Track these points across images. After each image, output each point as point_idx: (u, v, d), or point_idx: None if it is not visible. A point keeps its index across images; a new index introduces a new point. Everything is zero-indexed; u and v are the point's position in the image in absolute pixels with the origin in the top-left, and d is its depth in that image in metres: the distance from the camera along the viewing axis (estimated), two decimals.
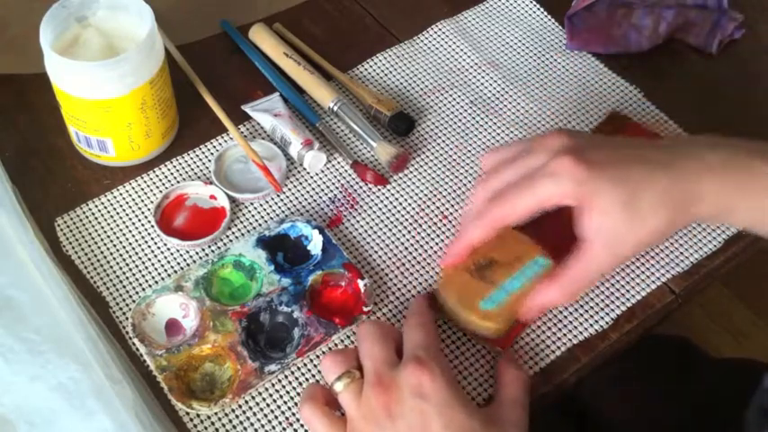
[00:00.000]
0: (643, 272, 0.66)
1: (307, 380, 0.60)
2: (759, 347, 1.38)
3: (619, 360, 0.64)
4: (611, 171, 0.53)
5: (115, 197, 0.69)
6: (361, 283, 0.63)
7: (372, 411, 0.51)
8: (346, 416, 0.53)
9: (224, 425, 0.58)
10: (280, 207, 0.69)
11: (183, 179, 0.70)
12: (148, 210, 0.68)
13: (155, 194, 0.69)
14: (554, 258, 0.59)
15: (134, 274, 0.65)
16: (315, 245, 0.65)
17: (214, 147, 0.72)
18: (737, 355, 0.87)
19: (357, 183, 0.70)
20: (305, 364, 0.61)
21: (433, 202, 0.69)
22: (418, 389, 0.51)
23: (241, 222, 0.68)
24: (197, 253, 0.66)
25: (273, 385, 0.60)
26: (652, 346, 0.82)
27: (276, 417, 0.58)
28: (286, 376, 0.60)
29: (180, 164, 0.71)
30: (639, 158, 0.54)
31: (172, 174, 0.70)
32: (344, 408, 0.53)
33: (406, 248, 0.67)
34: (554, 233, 0.57)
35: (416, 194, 0.70)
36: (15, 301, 0.60)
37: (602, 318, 0.64)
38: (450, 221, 0.68)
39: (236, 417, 0.58)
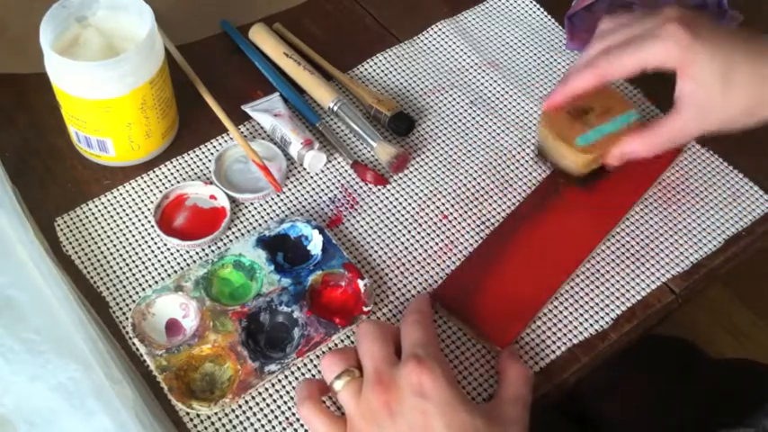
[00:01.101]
0: (643, 272, 0.66)
1: None
2: (759, 347, 1.37)
3: (619, 360, 0.65)
4: (713, 44, 0.57)
5: (115, 197, 0.69)
6: (361, 283, 0.63)
7: (372, 410, 0.51)
8: (346, 414, 0.53)
9: (224, 425, 0.58)
10: (280, 207, 0.69)
11: (183, 179, 0.70)
12: (148, 210, 0.68)
13: (155, 194, 0.69)
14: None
15: (134, 274, 0.65)
16: (315, 245, 0.65)
17: (214, 147, 0.72)
18: (737, 356, 0.87)
19: (357, 183, 0.70)
20: (305, 364, 0.61)
21: (433, 202, 0.69)
22: (419, 388, 0.51)
23: (241, 222, 0.68)
24: (197, 253, 0.66)
25: (273, 385, 0.60)
26: (652, 346, 0.82)
27: (276, 417, 0.58)
28: (286, 376, 0.60)
29: (180, 164, 0.71)
30: (742, 42, 0.59)
31: (172, 174, 0.70)
32: (344, 406, 0.53)
33: (406, 248, 0.67)
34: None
35: (416, 194, 0.70)
36: (15, 301, 0.60)
37: (602, 318, 0.64)
38: (450, 221, 0.68)
39: (236, 417, 0.58)
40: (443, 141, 0.73)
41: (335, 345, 0.62)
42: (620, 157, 0.63)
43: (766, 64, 0.58)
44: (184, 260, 0.65)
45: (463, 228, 0.68)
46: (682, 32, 0.57)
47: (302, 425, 0.58)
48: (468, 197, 0.70)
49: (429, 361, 0.52)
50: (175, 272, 0.65)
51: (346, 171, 0.71)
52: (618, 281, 0.65)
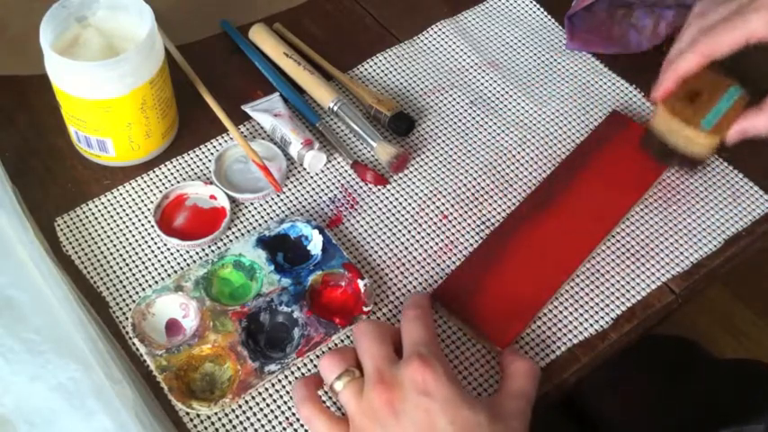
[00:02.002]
0: (643, 272, 0.66)
1: None
2: (760, 347, 1.37)
3: (619, 360, 0.65)
4: None
5: (115, 197, 0.69)
6: (361, 283, 0.63)
7: (374, 409, 0.51)
8: (347, 415, 0.53)
9: (224, 425, 0.58)
10: (280, 207, 0.69)
11: (183, 179, 0.70)
12: (148, 210, 0.68)
13: (155, 194, 0.69)
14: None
15: (134, 274, 0.65)
16: (315, 245, 0.65)
17: (214, 147, 0.72)
18: (738, 356, 0.87)
19: (357, 183, 0.70)
20: (305, 364, 0.61)
21: (433, 202, 0.69)
22: (422, 386, 0.51)
23: (241, 222, 0.68)
24: (197, 253, 0.66)
25: (273, 385, 0.60)
26: (652, 346, 0.82)
27: (276, 417, 0.58)
28: (286, 376, 0.60)
29: (180, 164, 0.71)
30: None
31: (172, 174, 0.70)
32: (345, 406, 0.53)
33: (406, 248, 0.67)
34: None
35: (416, 194, 0.70)
36: (15, 301, 0.60)
37: (602, 318, 0.64)
38: (450, 221, 0.68)
39: (236, 417, 0.58)
40: (443, 141, 0.73)
41: (335, 345, 0.62)
42: (743, 134, 0.63)
43: None
44: (184, 260, 0.65)
45: (463, 228, 0.68)
46: None
47: (302, 425, 0.58)
48: (468, 197, 0.70)
49: (431, 359, 0.52)
50: (175, 272, 0.65)
51: (346, 171, 0.71)
52: (618, 281, 0.65)
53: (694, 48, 0.60)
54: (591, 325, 0.63)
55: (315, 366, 0.61)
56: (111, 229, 0.67)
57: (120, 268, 0.65)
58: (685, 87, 0.64)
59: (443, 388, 0.51)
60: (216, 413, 0.58)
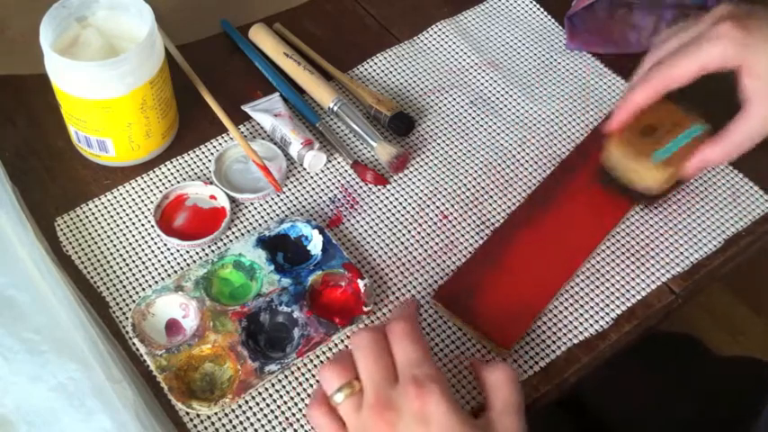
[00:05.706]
0: (643, 272, 0.66)
1: (307, 380, 0.60)
2: (759, 347, 1.37)
3: (619, 360, 0.65)
4: None
5: (115, 197, 0.69)
6: (361, 283, 0.63)
7: (371, 430, 0.50)
8: (347, 427, 0.51)
9: (224, 425, 0.58)
10: (280, 207, 0.69)
11: (183, 179, 0.70)
12: (148, 210, 0.68)
13: (155, 194, 0.69)
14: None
15: (134, 274, 0.65)
16: (315, 245, 0.65)
17: (214, 147, 0.72)
18: (739, 354, 0.87)
19: (357, 183, 0.70)
20: (305, 364, 0.61)
21: (433, 202, 0.69)
22: (420, 415, 0.49)
23: (241, 222, 0.68)
24: (197, 253, 0.66)
25: (273, 385, 0.60)
26: (653, 345, 0.82)
27: (276, 417, 0.58)
28: (286, 376, 0.60)
29: (180, 164, 0.71)
30: None
31: (172, 174, 0.70)
32: (344, 419, 0.51)
33: (406, 248, 0.67)
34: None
35: (416, 194, 0.70)
36: (15, 301, 0.60)
37: (603, 318, 0.64)
38: (450, 221, 0.68)
39: (236, 417, 0.58)
40: (443, 141, 0.73)
41: (335, 345, 0.62)
42: (699, 166, 0.62)
43: None
44: (184, 260, 0.65)
45: (463, 228, 0.68)
46: (735, 30, 0.55)
47: (302, 425, 0.58)
48: (468, 197, 0.70)
49: (428, 384, 0.50)
50: (175, 272, 0.65)
51: (346, 171, 0.71)
52: (618, 281, 0.65)
53: (648, 80, 0.58)
54: (591, 325, 0.63)
55: (315, 366, 0.61)
56: (111, 229, 0.67)
57: (120, 268, 0.65)
58: (643, 121, 0.63)
59: (441, 415, 0.49)
60: (216, 413, 0.58)
